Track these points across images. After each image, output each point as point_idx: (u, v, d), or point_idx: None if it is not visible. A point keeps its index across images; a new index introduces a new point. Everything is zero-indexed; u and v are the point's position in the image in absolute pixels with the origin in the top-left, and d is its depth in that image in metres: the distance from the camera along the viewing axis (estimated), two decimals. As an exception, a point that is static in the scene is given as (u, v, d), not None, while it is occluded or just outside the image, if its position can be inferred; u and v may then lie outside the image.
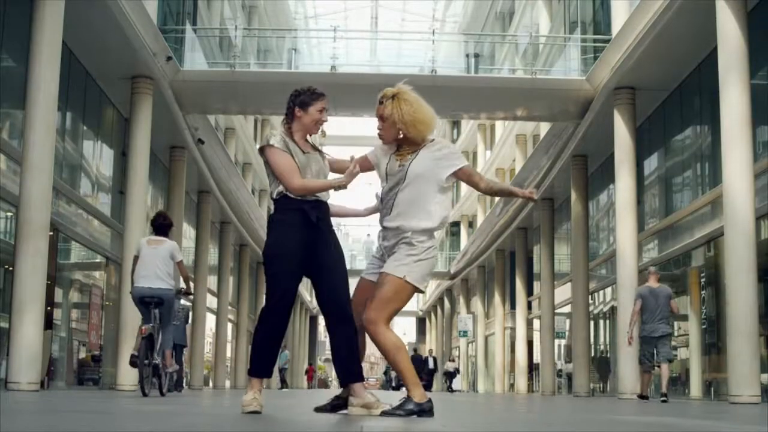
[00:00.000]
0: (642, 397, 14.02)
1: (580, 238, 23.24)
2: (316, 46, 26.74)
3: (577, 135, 21.80)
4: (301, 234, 5.20)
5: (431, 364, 41.65)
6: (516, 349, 34.40)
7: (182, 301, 17.54)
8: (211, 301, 30.42)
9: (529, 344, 33.58)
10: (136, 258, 10.69)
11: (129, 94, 18.78)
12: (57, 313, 17.29)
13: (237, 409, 5.95)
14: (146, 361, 10.35)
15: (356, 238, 75.05)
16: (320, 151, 5.51)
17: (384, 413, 5.18)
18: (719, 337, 16.32)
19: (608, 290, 23.70)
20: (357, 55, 24.69)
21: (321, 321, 79.68)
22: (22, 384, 12.02)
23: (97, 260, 20.01)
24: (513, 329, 35.40)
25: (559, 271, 28.13)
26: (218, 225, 31.72)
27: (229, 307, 33.41)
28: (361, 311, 5.30)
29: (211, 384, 31.29)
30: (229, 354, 34.21)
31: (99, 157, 20.02)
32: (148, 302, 10.43)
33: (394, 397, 6.01)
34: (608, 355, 13.83)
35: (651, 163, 20.66)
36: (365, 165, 5.57)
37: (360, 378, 5.25)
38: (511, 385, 36.12)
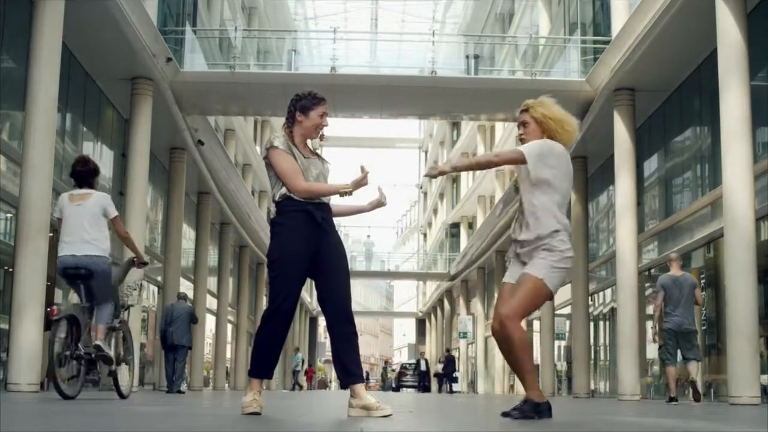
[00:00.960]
0: (672, 399, 12.57)
1: (580, 240, 23.23)
2: (316, 48, 26.75)
3: (577, 136, 21.77)
4: (305, 236, 5.21)
5: (423, 367, 42.41)
6: (516, 350, 34.33)
7: (186, 302, 17.55)
8: (211, 303, 30.41)
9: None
10: (59, 221, 8.49)
11: (129, 95, 18.79)
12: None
13: (237, 410, 5.95)
14: (67, 353, 8.26)
15: (356, 239, 75.16)
16: (319, 156, 5.52)
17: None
18: (719, 338, 16.31)
19: (608, 291, 23.70)
20: (357, 57, 24.69)
21: (321, 322, 79.59)
22: (22, 385, 12.01)
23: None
24: (513, 330, 35.32)
25: (558, 272, 28.08)
26: (218, 226, 31.72)
27: (229, 309, 33.41)
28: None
29: (210, 385, 31.29)
30: (228, 355, 34.20)
31: (99, 158, 19.98)
32: (73, 275, 8.26)
33: (394, 399, 6.00)
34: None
35: (651, 165, 20.66)
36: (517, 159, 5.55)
37: (361, 379, 5.25)
38: (511, 387, 36.10)
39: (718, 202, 14.96)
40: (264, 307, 42.69)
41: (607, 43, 19.62)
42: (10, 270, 13.54)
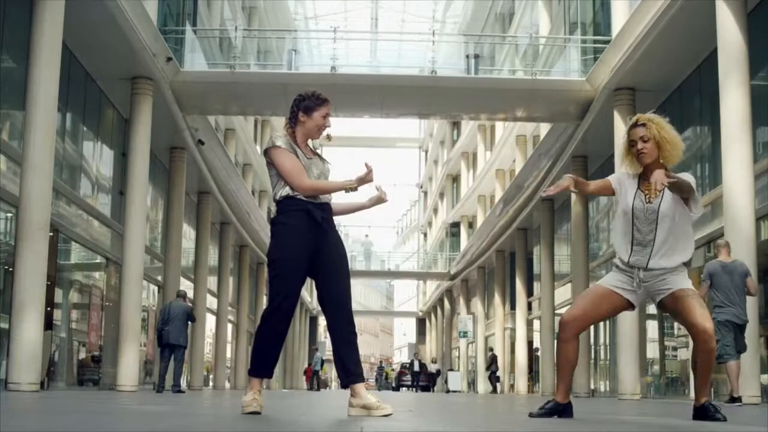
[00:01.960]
0: (733, 399, 11.24)
1: (580, 239, 23.25)
2: (316, 47, 26.76)
3: (577, 136, 21.82)
4: (305, 236, 5.21)
5: (416, 367, 43.19)
6: (516, 349, 34.39)
7: (184, 301, 17.55)
8: (211, 302, 30.42)
9: (529, 345, 33.58)
10: None
11: (129, 95, 18.80)
12: (57, 314, 17.29)
13: (237, 409, 5.96)
14: None
15: (356, 239, 75.14)
16: (319, 156, 5.52)
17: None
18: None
19: (608, 291, 23.66)
20: (357, 56, 24.70)
21: (321, 322, 79.63)
22: (22, 384, 12.02)
23: (97, 261, 20.02)
24: (513, 330, 35.39)
25: (559, 272, 28.14)
26: (218, 226, 31.72)
27: (229, 308, 33.42)
28: (586, 314, 5.61)
29: (210, 384, 31.29)
30: (229, 354, 34.20)
31: (99, 157, 20.03)
32: None
33: (394, 399, 6.00)
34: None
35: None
36: (603, 187, 5.63)
37: (361, 378, 5.25)
38: (511, 386, 36.12)
39: (718, 202, 14.96)
40: (264, 307, 42.87)
41: (607, 42, 19.62)
42: (11, 269, 13.54)
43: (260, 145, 39.41)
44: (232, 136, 32.53)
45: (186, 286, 24.34)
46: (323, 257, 5.28)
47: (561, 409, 5.57)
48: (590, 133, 21.07)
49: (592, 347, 24.68)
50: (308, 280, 5.45)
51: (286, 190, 5.28)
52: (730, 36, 13.56)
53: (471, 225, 47.39)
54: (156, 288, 23.93)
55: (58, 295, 17.51)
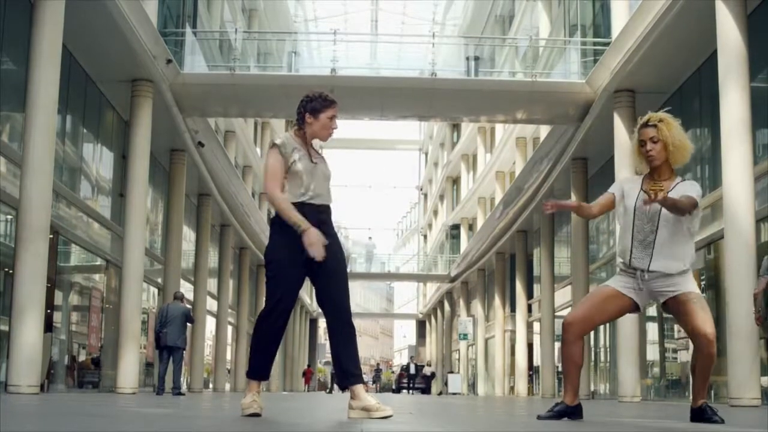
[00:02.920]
0: None
1: (580, 241, 23.24)
2: (316, 49, 26.78)
3: (577, 138, 21.82)
4: (300, 238, 5.18)
5: (412, 370, 43.85)
6: (516, 351, 34.38)
7: (183, 302, 17.56)
8: (211, 304, 30.41)
9: (529, 347, 33.57)
10: None
11: (129, 97, 18.80)
12: (57, 316, 17.29)
13: (237, 411, 5.95)
14: None
15: (357, 241, 75.08)
16: (322, 158, 5.50)
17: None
18: (719, 339, 16.22)
19: (608, 293, 23.66)
20: (357, 58, 24.70)
21: (321, 324, 79.60)
22: (22, 387, 12.01)
23: (97, 263, 20.02)
24: (513, 332, 35.38)
25: (559, 274, 28.13)
26: (218, 228, 31.72)
27: (229, 310, 33.41)
28: (589, 316, 5.55)
29: (211, 387, 31.28)
30: (229, 357, 34.20)
31: (99, 159, 20.03)
32: None
33: (393, 401, 5.99)
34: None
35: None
36: (606, 204, 5.78)
37: (360, 380, 5.24)
38: (511, 388, 36.10)
39: (718, 204, 14.96)
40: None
41: (607, 44, 19.63)
42: (10, 272, 13.54)
43: (260, 148, 39.41)
44: (232, 139, 32.54)
45: (186, 288, 24.33)
46: (321, 260, 5.25)
47: (570, 411, 5.58)
48: (590, 135, 21.07)
49: (593, 349, 24.68)
50: (307, 283, 5.43)
51: (286, 192, 5.27)
52: (729, 38, 13.56)
53: (471, 227, 47.40)
54: (156, 290, 23.93)
55: (58, 298, 17.50)
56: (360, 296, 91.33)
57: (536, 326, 31.18)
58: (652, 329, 21.20)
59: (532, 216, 29.59)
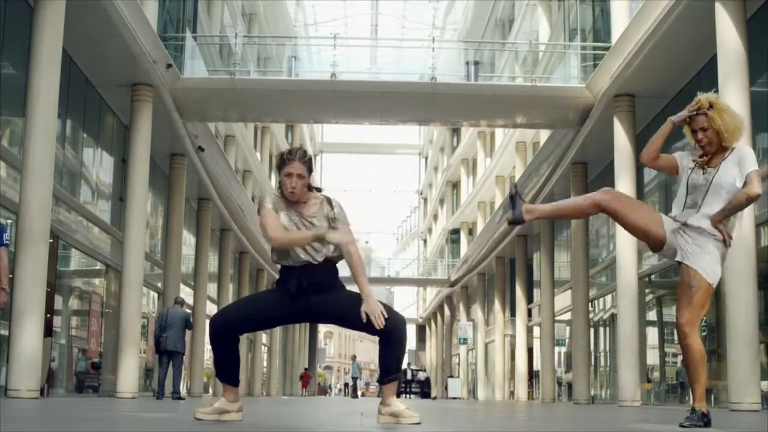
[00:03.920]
0: None
1: (580, 246, 23.24)
2: (316, 54, 26.77)
3: (576, 142, 21.83)
4: (274, 299, 5.12)
5: (409, 375, 44.55)
6: (516, 356, 34.37)
7: (182, 307, 17.55)
8: (211, 309, 30.37)
9: (529, 351, 33.55)
10: None
11: (129, 102, 18.81)
12: (57, 321, 17.28)
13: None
14: None
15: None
16: (331, 221, 5.16)
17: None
18: (719, 343, 16.30)
19: (608, 297, 23.69)
20: (357, 63, 24.73)
21: (321, 328, 79.60)
22: (22, 391, 12.00)
23: (97, 267, 20.01)
24: (513, 336, 35.38)
25: (559, 279, 28.12)
26: (218, 232, 31.71)
27: (229, 315, 33.32)
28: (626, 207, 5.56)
29: (210, 391, 31.25)
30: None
31: (99, 164, 20.03)
32: None
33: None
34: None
35: (651, 171, 20.66)
36: (668, 161, 5.72)
37: (387, 380, 5.14)
38: (511, 393, 36.08)
39: (718, 208, 14.94)
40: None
41: (606, 49, 19.64)
42: (10, 276, 13.50)
43: (260, 152, 39.42)
44: (232, 143, 32.55)
45: (186, 292, 24.33)
46: (319, 314, 5.18)
47: (708, 419, 5.37)
48: (590, 139, 21.07)
49: (593, 354, 24.65)
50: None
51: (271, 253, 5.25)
52: (729, 42, 13.57)
53: (471, 231, 47.40)
54: (156, 295, 23.91)
55: (58, 302, 17.49)
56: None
57: (536, 330, 31.16)
58: (652, 333, 21.19)
59: (532, 220, 29.55)
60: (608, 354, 24.13)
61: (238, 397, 5.34)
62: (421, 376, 46.46)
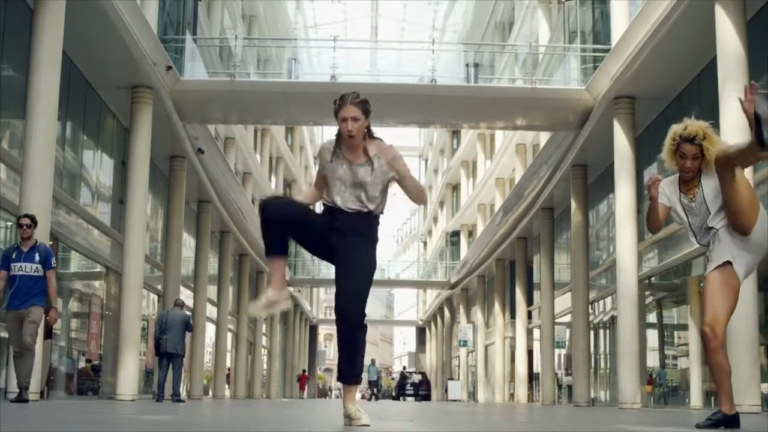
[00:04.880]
0: None
1: (580, 248, 23.23)
2: (316, 56, 26.80)
3: (576, 144, 21.82)
4: (322, 223, 5.18)
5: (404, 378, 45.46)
6: (516, 358, 34.36)
7: (182, 309, 17.55)
8: (211, 311, 30.39)
9: (529, 354, 33.54)
10: None
11: (129, 104, 18.82)
12: (57, 323, 17.23)
13: (236, 419, 5.93)
14: None
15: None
16: (371, 160, 5.23)
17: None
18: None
19: (608, 300, 23.68)
20: (357, 65, 24.73)
21: (321, 331, 79.62)
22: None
23: (97, 270, 20.01)
24: (513, 339, 35.36)
25: (559, 281, 28.12)
26: (218, 234, 31.71)
27: (229, 317, 33.38)
28: (720, 310, 5.41)
29: (210, 394, 31.24)
30: (228, 363, 34.15)
31: (99, 166, 20.03)
32: None
33: (394, 407, 5.96)
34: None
35: (650, 174, 20.63)
36: (665, 210, 5.79)
37: (345, 381, 5.18)
38: (511, 395, 36.06)
39: (718, 210, 14.94)
40: (263, 317, 42.25)
41: (606, 51, 19.64)
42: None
43: (260, 154, 39.43)
44: (232, 145, 32.56)
45: (186, 295, 24.32)
46: (336, 255, 5.23)
47: (728, 420, 5.39)
48: (590, 141, 21.07)
49: (593, 356, 24.65)
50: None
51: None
52: (729, 44, 13.57)
53: (471, 234, 47.39)
54: (156, 297, 23.91)
55: (58, 305, 17.47)
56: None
57: (536, 333, 31.15)
58: (652, 336, 21.18)
59: (532, 222, 29.58)
60: (608, 356, 24.12)
61: (285, 280, 5.28)
62: (415, 378, 46.53)
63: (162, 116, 19.57)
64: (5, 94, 14.11)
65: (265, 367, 45.11)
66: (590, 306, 23.93)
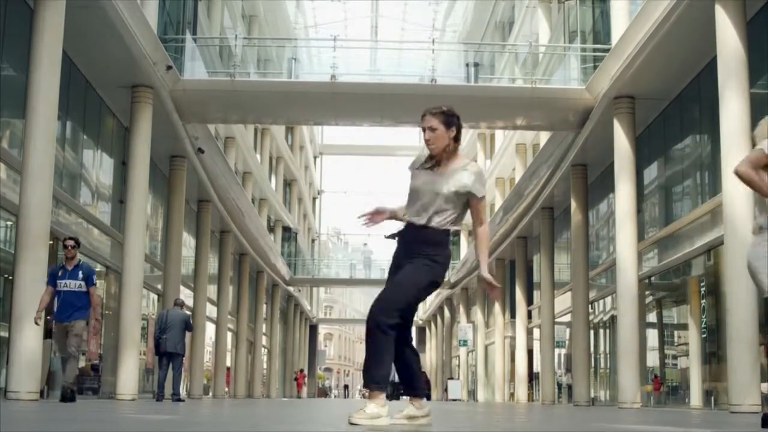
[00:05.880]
0: None
1: (580, 247, 23.23)
2: (316, 56, 26.78)
3: (576, 144, 21.82)
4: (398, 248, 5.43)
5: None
6: (516, 358, 34.36)
7: (182, 309, 17.55)
8: (211, 311, 30.39)
9: (529, 353, 33.54)
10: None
11: (129, 103, 18.82)
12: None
13: (235, 418, 5.93)
14: None
15: (356, 247, 75.09)
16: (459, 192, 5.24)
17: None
18: (719, 345, 16.30)
19: (608, 299, 23.69)
20: (357, 65, 24.71)
21: (321, 330, 79.61)
22: (22, 393, 12.01)
23: (97, 269, 19.96)
24: (513, 338, 35.36)
25: (559, 281, 28.12)
26: (218, 234, 31.70)
27: (229, 317, 33.38)
28: None
29: (210, 393, 31.25)
30: (228, 363, 34.15)
31: (99, 166, 20.03)
32: None
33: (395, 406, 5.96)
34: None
35: (651, 172, 20.67)
36: None
37: (369, 387, 5.19)
38: (511, 395, 36.06)
39: (718, 210, 14.97)
40: (263, 316, 42.33)
41: (606, 51, 19.64)
42: (10, 278, 13.53)
43: (260, 154, 39.43)
44: (232, 145, 32.56)
45: (186, 294, 24.32)
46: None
47: None
48: (590, 141, 21.07)
49: (592, 355, 24.65)
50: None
51: None
52: (729, 44, 13.58)
53: (471, 233, 47.37)
54: (156, 296, 23.91)
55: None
56: (359, 302, 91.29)
57: (536, 332, 31.15)
58: (652, 336, 21.18)
59: (532, 222, 29.59)
60: (608, 356, 24.13)
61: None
62: None
63: (162, 116, 19.56)
64: (5, 94, 14.11)
65: (265, 366, 45.11)
66: (590, 306, 23.93)
